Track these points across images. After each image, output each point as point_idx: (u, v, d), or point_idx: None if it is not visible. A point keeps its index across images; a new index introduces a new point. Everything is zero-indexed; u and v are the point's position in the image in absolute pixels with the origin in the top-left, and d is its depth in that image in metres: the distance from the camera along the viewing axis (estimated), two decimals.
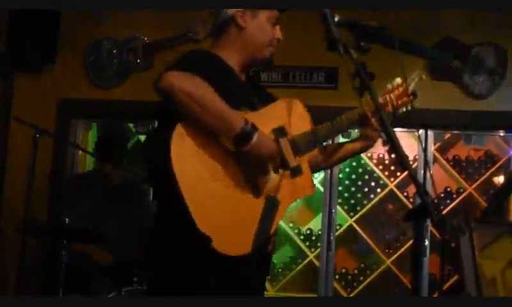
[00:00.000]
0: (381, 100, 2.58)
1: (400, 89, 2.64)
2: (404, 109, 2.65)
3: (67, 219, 4.03)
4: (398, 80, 2.63)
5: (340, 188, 5.94)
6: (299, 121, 2.50)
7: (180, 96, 2.19)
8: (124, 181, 4.78)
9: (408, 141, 5.86)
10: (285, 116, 2.47)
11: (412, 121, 2.66)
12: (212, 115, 2.21)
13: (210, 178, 2.25)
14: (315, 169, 2.69)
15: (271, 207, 2.31)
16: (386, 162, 6.25)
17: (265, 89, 2.74)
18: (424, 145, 5.21)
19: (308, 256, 6.24)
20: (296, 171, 2.39)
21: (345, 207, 6.22)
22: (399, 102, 2.63)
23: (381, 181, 6.24)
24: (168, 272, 2.34)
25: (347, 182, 6.29)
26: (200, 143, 2.25)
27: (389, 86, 2.64)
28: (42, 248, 5.09)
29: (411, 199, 6.07)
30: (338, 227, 5.92)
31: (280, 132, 2.40)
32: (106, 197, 4.63)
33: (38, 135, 4.35)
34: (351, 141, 2.70)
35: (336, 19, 2.11)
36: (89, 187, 4.68)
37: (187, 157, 2.22)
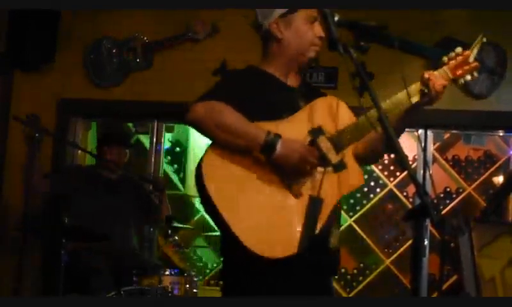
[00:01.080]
0: (427, 74, 2.53)
1: (459, 58, 2.60)
2: (469, 78, 2.62)
3: (66, 219, 4.02)
4: (458, 48, 2.59)
5: None
6: (341, 118, 2.53)
7: (203, 126, 2.40)
8: (123, 176, 4.77)
9: (408, 140, 5.86)
10: (325, 114, 2.52)
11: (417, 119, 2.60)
12: (235, 137, 2.36)
13: (245, 191, 2.36)
14: (369, 159, 2.72)
15: (314, 206, 2.35)
16: (386, 161, 6.25)
17: (320, 92, 2.74)
18: (423, 145, 5.21)
19: None
20: (338, 167, 2.45)
21: (345, 207, 6.22)
22: (458, 72, 2.60)
23: (380, 181, 6.24)
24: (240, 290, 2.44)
25: None
26: (230, 160, 2.38)
27: (444, 58, 2.60)
28: (41, 247, 5.08)
29: (411, 199, 6.07)
30: None
31: (317, 131, 2.46)
32: (106, 190, 4.62)
33: (37, 135, 4.34)
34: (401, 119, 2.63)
35: (336, 19, 2.11)
36: (89, 179, 4.67)
37: (218, 176, 2.36)
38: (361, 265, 6.23)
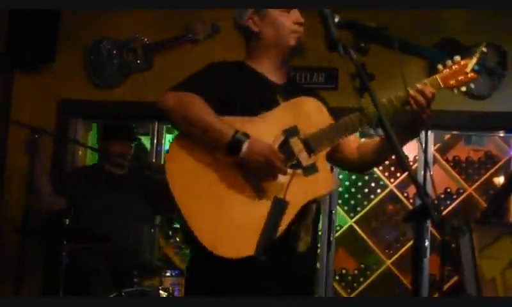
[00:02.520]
0: (422, 84, 2.44)
1: (455, 67, 2.51)
2: (463, 89, 2.53)
3: (67, 220, 4.01)
4: (456, 57, 2.50)
5: (340, 189, 5.94)
6: (318, 120, 2.46)
7: (172, 117, 2.35)
8: (130, 170, 4.66)
9: None
10: (301, 114, 2.44)
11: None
12: (202, 130, 2.30)
13: (208, 187, 2.29)
14: (353, 168, 2.68)
15: (277, 208, 2.27)
16: (386, 162, 6.24)
17: (307, 89, 2.70)
18: (423, 146, 5.21)
19: None
20: (309, 170, 2.37)
21: (345, 208, 6.22)
22: (450, 82, 2.51)
23: (381, 182, 6.24)
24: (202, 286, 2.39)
25: (347, 183, 6.29)
26: (195, 154, 2.33)
27: (439, 66, 2.52)
28: (42, 249, 5.08)
29: (411, 200, 6.07)
30: (338, 228, 5.92)
31: (291, 131, 2.39)
32: (108, 187, 4.56)
33: (36, 136, 4.32)
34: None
35: (336, 20, 2.11)
36: (90, 178, 4.61)
37: (181, 170, 2.31)
38: (362, 265, 6.22)
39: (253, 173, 2.31)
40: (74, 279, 4.15)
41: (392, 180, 6.19)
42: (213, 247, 2.22)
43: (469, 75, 2.53)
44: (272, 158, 2.28)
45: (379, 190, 6.23)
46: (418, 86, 2.45)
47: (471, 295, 3.40)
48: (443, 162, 6.21)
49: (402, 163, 1.89)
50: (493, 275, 3.45)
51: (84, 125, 5.63)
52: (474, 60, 2.54)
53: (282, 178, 2.32)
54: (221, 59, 3.76)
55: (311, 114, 2.46)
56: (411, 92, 2.43)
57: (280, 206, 2.28)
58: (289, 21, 2.51)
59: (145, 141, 6.38)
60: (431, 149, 5.46)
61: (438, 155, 6.13)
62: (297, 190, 2.32)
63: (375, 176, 6.25)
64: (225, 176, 2.31)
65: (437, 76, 2.51)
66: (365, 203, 6.23)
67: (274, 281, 2.35)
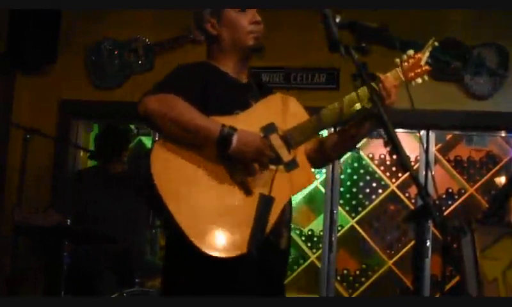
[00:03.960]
0: (384, 76, 2.50)
1: (412, 60, 2.57)
2: (420, 81, 2.58)
3: (68, 220, 4.02)
4: (410, 51, 2.56)
5: (341, 189, 5.94)
6: (293, 116, 2.48)
7: (156, 120, 2.32)
8: (128, 171, 4.71)
9: (410, 141, 5.86)
10: (277, 111, 2.47)
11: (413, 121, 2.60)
12: (189, 131, 2.28)
13: (194, 187, 2.28)
14: (318, 162, 2.67)
15: (265, 204, 2.28)
16: (388, 162, 6.24)
17: (269, 88, 2.72)
18: (425, 146, 5.20)
19: (309, 257, 6.24)
20: (290, 165, 2.39)
21: (347, 208, 6.22)
22: (410, 75, 2.56)
23: (382, 182, 6.24)
24: (180, 284, 2.38)
25: (348, 183, 6.29)
26: (181, 154, 2.31)
27: (397, 60, 2.56)
28: (43, 248, 5.08)
29: (413, 200, 6.06)
30: (339, 228, 5.92)
31: (270, 128, 2.41)
32: (109, 187, 4.57)
33: (28, 136, 4.32)
34: (356, 125, 2.59)
35: (337, 20, 2.11)
36: (91, 181, 4.63)
37: (167, 169, 2.28)
38: (364, 266, 6.22)
39: (241, 165, 2.31)
40: (76, 279, 4.15)
41: (394, 180, 6.19)
42: (207, 249, 2.20)
43: (423, 68, 2.58)
44: (264, 149, 2.31)
45: (380, 191, 6.23)
46: (382, 76, 2.50)
47: (472, 296, 3.40)
48: (445, 162, 6.20)
49: (403, 163, 1.89)
50: (494, 275, 3.45)
51: (85, 125, 5.63)
52: (427, 53, 2.61)
53: (265, 175, 2.34)
54: None
55: (286, 110, 2.49)
56: (381, 76, 2.48)
57: (267, 202, 2.28)
58: (245, 21, 2.51)
59: (146, 141, 6.38)
60: (433, 149, 5.46)
61: (439, 155, 6.13)
62: (281, 186, 2.34)
63: (376, 176, 6.25)
64: (210, 173, 2.30)
65: (397, 69, 2.54)
66: (367, 203, 6.23)
67: (259, 277, 2.36)
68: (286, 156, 2.39)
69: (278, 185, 2.32)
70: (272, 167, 2.35)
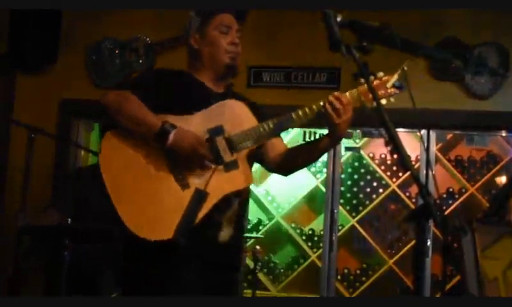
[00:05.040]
0: (345, 94, 2.58)
1: (376, 82, 2.60)
2: (384, 102, 2.57)
3: (69, 219, 4.02)
4: (380, 73, 2.60)
5: (342, 188, 5.95)
6: (241, 121, 2.65)
7: (110, 111, 2.57)
8: None
9: (410, 141, 5.86)
10: (227, 116, 2.64)
11: (414, 121, 2.59)
12: (135, 124, 2.53)
13: (135, 176, 2.53)
14: (277, 170, 2.86)
15: (198, 198, 2.48)
16: (389, 162, 6.25)
17: (245, 99, 2.83)
18: (426, 145, 5.21)
19: (310, 257, 6.25)
20: (230, 166, 2.57)
21: (348, 207, 6.22)
22: (370, 96, 2.54)
23: (383, 182, 6.24)
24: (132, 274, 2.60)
25: (349, 182, 6.29)
26: (127, 146, 2.57)
27: (362, 80, 2.51)
28: (43, 248, 5.08)
29: (413, 200, 6.07)
30: (340, 227, 5.93)
31: (216, 130, 2.59)
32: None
33: (32, 135, 4.33)
34: (319, 140, 2.74)
35: (338, 19, 2.11)
36: (90, 177, 4.63)
37: (113, 159, 2.55)
38: (364, 265, 6.23)
39: (181, 161, 2.52)
40: (76, 278, 4.15)
41: (394, 180, 6.19)
42: (136, 230, 2.43)
43: (389, 91, 2.59)
44: (198, 147, 2.50)
45: (381, 190, 6.23)
46: (336, 93, 2.59)
47: (473, 296, 3.40)
48: (445, 162, 6.21)
49: (404, 162, 1.89)
50: (495, 275, 3.45)
51: (85, 125, 5.63)
52: (395, 76, 2.58)
53: (204, 173, 2.54)
54: None
55: (237, 116, 2.66)
56: (329, 97, 2.59)
57: (200, 196, 2.48)
58: (225, 42, 2.72)
59: None
60: (433, 148, 5.46)
61: (440, 155, 6.13)
62: (217, 184, 2.52)
63: (377, 175, 6.25)
64: (153, 167, 2.54)
65: (356, 89, 2.60)
66: (367, 202, 6.23)
67: (194, 266, 2.53)
68: (228, 157, 2.57)
69: (215, 183, 2.51)
70: (213, 166, 2.54)
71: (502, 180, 6.07)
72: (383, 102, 2.58)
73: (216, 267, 2.60)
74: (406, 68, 2.56)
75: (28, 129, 4.33)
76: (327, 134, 2.68)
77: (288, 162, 2.81)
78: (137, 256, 2.53)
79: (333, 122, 2.56)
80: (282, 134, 2.86)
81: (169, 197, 2.50)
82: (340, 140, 2.76)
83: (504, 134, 5.64)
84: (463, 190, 6.14)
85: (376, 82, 2.60)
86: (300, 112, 2.61)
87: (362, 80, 2.54)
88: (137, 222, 2.45)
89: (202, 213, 2.47)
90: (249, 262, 5.54)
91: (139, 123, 2.52)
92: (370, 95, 2.55)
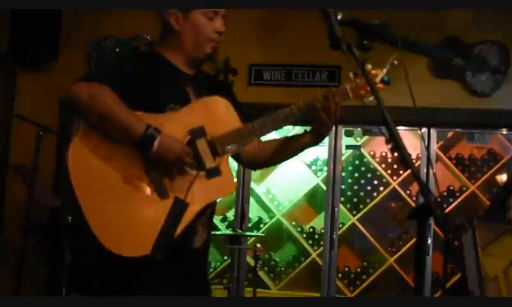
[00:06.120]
0: (332, 92, 2.48)
1: (367, 77, 2.45)
2: (371, 98, 2.45)
3: (70, 217, 4.01)
4: (368, 66, 2.43)
5: (343, 186, 5.95)
6: (225, 121, 2.46)
7: (83, 109, 2.32)
8: None
9: (411, 139, 5.86)
10: (209, 115, 2.44)
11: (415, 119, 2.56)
12: (114, 126, 2.29)
13: (109, 187, 2.29)
14: (253, 165, 2.72)
15: (177, 208, 2.29)
16: (389, 160, 6.25)
17: (219, 86, 2.70)
18: (426, 143, 5.21)
19: (310, 255, 6.25)
20: (212, 173, 2.37)
21: (348, 205, 6.22)
22: (360, 92, 2.48)
23: (384, 180, 6.24)
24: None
25: (350, 181, 6.29)
26: (98, 149, 2.32)
27: (350, 74, 2.50)
28: (45, 247, 5.09)
29: (414, 198, 6.07)
30: (341, 225, 5.92)
31: (198, 132, 2.39)
32: None
33: (41, 133, 4.33)
34: (301, 135, 2.60)
35: (338, 17, 2.11)
36: None
37: (83, 166, 2.32)
38: (365, 263, 6.23)
39: (160, 166, 2.31)
40: (77, 277, 4.15)
41: (395, 178, 6.19)
42: (112, 247, 2.24)
43: (378, 86, 2.47)
44: (184, 157, 2.30)
45: (381, 188, 6.23)
46: (327, 92, 2.49)
47: (474, 294, 3.40)
48: (446, 160, 6.20)
49: (405, 160, 1.89)
50: (496, 273, 3.45)
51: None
52: (384, 71, 2.49)
53: (185, 179, 2.33)
54: (224, 57, 3.79)
55: (220, 115, 2.46)
56: (324, 95, 2.49)
57: (180, 206, 2.29)
58: (210, 29, 2.48)
59: None
60: (434, 146, 5.46)
61: (440, 153, 6.12)
62: (198, 193, 2.33)
63: (378, 173, 6.25)
64: (128, 173, 2.31)
65: (347, 86, 2.50)
66: (368, 200, 6.23)
67: (169, 276, 2.36)
68: (209, 162, 2.37)
69: (197, 190, 2.33)
70: (194, 172, 2.35)
71: (503, 178, 6.06)
72: (370, 98, 2.47)
73: (192, 272, 2.45)
74: (395, 62, 2.48)
75: (37, 126, 4.33)
76: (310, 130, 2.54)
77: (266, 157, 2.65)
78: (112, 266, 2.35)
79: (323, 120, 2.46)
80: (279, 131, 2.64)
81: (147, 209, 2.29)
82: (324, 139, 2.61)
83: (504, 132, 5.64)
84: (464, 189, 6.13)
85: (360, 79, 2.48)
86: (288, 111, 2.46)
87: (351, 74, 2.50)
88: (113, 238, 2.25)
89: (182, 226, 2.29)
90: (250, 260, 5.55)
91: (118, 125, 2.29)
92: (362, 91, 2.48)
